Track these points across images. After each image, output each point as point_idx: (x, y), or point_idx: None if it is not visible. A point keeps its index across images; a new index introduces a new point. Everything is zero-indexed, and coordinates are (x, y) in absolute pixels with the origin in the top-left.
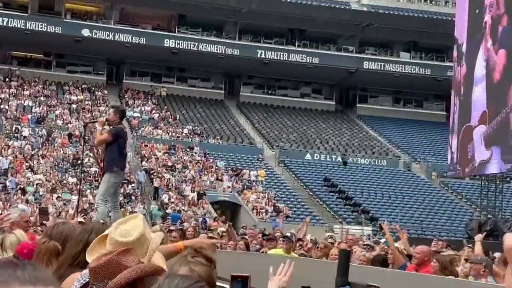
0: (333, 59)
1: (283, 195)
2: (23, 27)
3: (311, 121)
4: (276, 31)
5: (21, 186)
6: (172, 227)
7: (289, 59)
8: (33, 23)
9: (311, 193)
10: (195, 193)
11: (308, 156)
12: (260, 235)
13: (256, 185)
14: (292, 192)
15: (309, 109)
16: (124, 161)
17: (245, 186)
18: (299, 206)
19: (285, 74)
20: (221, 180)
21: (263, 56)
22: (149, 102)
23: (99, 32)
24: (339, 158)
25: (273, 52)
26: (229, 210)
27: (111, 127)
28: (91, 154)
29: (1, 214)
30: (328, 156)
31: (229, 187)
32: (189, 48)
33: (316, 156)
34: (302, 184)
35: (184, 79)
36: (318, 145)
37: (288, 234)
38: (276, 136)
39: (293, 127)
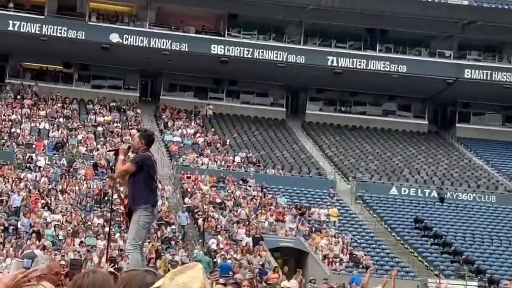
0: (425, 66)
1: (361, 240)
2: (39, 33)
3: (397, 146)
4: (351, 33)
5: (36, 229)
6: (221, 280)
7: (368, 68)
8: (51, 28)
9: (398, 238)
10: (250, 238)
11: (393, 191)
12: None
13: (328, 227)
14: (373, 236)
15: (394, 130)
16: (154, 195)
17: (313, 229)
18: (382, 254)
19: (363, 87)
20: (283, 221)
21: (334, 64)
22: (193, 123)
23: (130, 37)
24: (434, 193)
25: (347, 59)
26: (293, 259)
27: (134, 154)
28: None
29: (22, 270)
30: (419, 191)
31: (292, 229)
32: (241, 55)
33: (404, 191)
34: (386, 226)
35: (236, 94)
36: (406, 176)
37: None
38: (352, 165)
39: (374, 153)
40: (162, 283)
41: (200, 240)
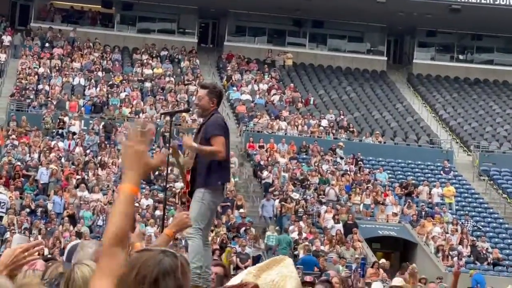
0: None
1: (487, 228)
2: None
3: None
4: None
5: (70, 212)
6: (307, 278)
7: (497, 1)
8: None
9: None
10: (341, 225)
11: None
12: None
13: (442, 211)
14: (502, 223)
15: None
16: (228, 172)
17: (424, 213)
18: None
19: (488, 27)
20: (384, 204)
21: None
22: (266, 76)
23: None
24: None
25: None
26: (397, 252)
27: (209, 120)
28: (173, 161)
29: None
30: None
31: (396, 214)
32: None
33: None
34: None
35: (322, 39)
36: None
37: None
38: (475, 131)
39: (504, 115)
40: (242, 280)
41: (277, 227)
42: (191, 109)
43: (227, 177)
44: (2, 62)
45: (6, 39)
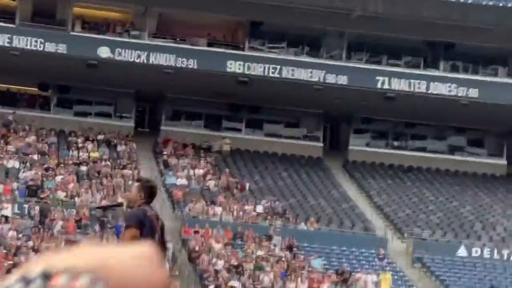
0: (503, 90)
1: None
2: (8, 45)
3: (466, 193)
4: (407, 46)
5: None
6: None
7: (429, 91)
8: (23, 39)
9: None
10: None
11: (462, 251)
12: None
13: None
14: None
15: (463, 172)
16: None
17: None
18: None
19: (422, 116)
20: None
21: (386, 86)
22: (202, 161)
23: (124, 52)
24: None
25: (402, 80)
26: None
27: (128, 211)
28: None
29: None
30: (495, 252)
31: None
32: (266, 74)
33: (476, 251)
34: None
35: (259, 125)
36: (478, 233)
37: None
38: (409, 218)
39: (437, 202)
40: None
41: None
42: (123, 203)
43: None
44: None
45: None
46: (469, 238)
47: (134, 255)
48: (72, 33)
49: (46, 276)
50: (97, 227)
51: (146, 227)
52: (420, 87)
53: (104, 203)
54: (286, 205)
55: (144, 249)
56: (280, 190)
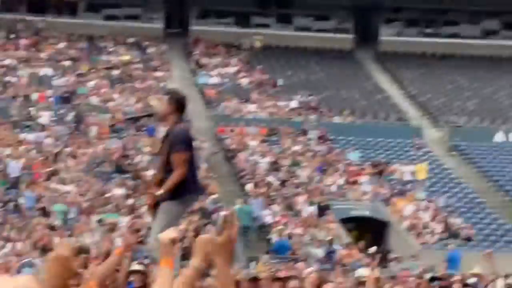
0: None
1: (459, 204)
2: None
3: (502, 78)
4: None
5: (42, 205)
6: (281, 272)
7: None
8: None
9: (507, 198)
10: (314, 206)
11: (499, 137)
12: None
13: (414, 189)
14: (474, 198)
15: (499, 57)
16: (195, 183)
17: (396, 192)
18: (487, 221)
19: (454, 1)
20: (355, 183)
21: None
22: (234, 59)
23: None
24: None
25: None
26: (370, 232)
27: (173, 131)
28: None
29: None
30: None
31: (368, 193)
32: None
33: None
34: (491, 183)
35: (288, 20)
36: None
37: (472, 281)
38: (444, 106)
39: (472, 88)
40: None
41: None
42: (153, 114)
43: (194, 188)
44: None
45: None
46: (506, 123)
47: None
48: None
49: None
50: (131, 131)
51: (192, 148)
52: None
53: (135, 114)
54: (319, 99)
55: (24, 283)
56: (313, 84)
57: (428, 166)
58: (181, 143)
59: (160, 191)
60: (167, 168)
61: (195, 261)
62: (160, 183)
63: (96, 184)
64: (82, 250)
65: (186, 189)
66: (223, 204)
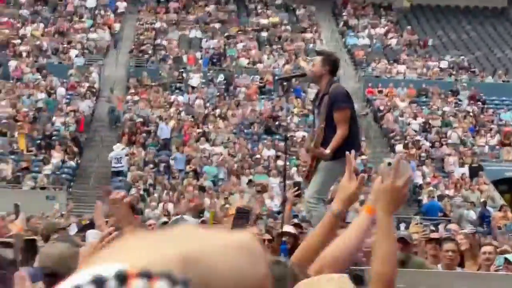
0: None
1: None
2: None
3: None
4: None
5: (192, 166)
6: (434, 234)
7: None
8: None
9: None
10: (466, 168)
11: None
12: None
13: None
14: None
15: None
16: (356, 141)
17: None
18: None
19: None
20: (510, 144)
21: None
22: (383, 20)
23: None
24: None
25: None
26: None
27: (329, 91)
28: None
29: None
30: None
31: None
32: None
33: None
34: None
35: None
36: None
37: None
38: None
39: None
40: None
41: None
42: (307, 73)
43: (355, 146)
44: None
45: (121, 5)
46: None
47: (228, 244)
48: None
49: (121, 278)
50: (280, 92)
51: (352, 105)
52: None
53: (287, 73)
54: (471, 59)
55: (243, 238)
56: (465, 44)
57: None
58: (342, 101)
59: (327, 150)
60: (327, 129)
61: (334, 206)
62: (320, 145)
63: (246, 146)
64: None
65: (349, 147)
66: (373, 165)
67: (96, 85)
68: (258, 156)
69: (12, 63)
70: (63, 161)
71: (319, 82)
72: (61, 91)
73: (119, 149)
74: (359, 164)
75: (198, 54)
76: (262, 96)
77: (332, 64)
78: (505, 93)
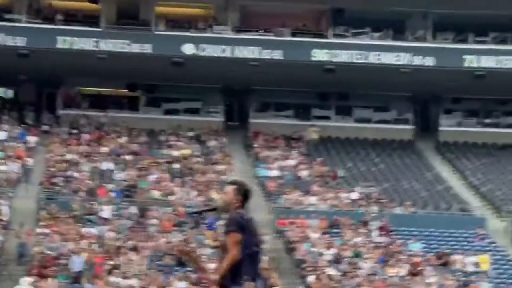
0: None
1: None
2: (95, 49)
3: None
4: (493, 22)
5: None
6: None
7: None
8: (109, 42)
9: None
10: None
11: None
12: None
13: (478, 280)
14: None
15: None
16: (254, 266)
17: (461, 284)
18: None
19: None
20: (419, 275)
21: (474, 64)
22: (293, 152)
23: (208, 47)
24: None
25: (490, 57)
26: None
27: (228, 216)
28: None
29: None
30: None
31: (430, 284)
32: (352, 60)
33: None
34: None
35: (347, 111)
36: None
37: None
38: (506, 196)
39: None
40: None
41: None
42: (218, 204)
43: (253, 271)
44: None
45: (32, 140)
46: None
47: None
48: (156, 32)
49: None
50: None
51: (246, 231)
52: (509, 63)
53: (198, 207)
54: (380, 190)
55: None
56: (374, 176)
57: (492, 258)
58: (234, 225)
59: (215, 276)
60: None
61: None
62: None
63: (158, 278)
64: None
65: (245, 273)
66: None
67: (5, 218)
68: None
69: None
70: None
71: (230, 211)
72: None
73: (25, 283)
74: None
75: (110, 186)
76: (175, 228)
77: (244, 194)
78: (414, 224)
